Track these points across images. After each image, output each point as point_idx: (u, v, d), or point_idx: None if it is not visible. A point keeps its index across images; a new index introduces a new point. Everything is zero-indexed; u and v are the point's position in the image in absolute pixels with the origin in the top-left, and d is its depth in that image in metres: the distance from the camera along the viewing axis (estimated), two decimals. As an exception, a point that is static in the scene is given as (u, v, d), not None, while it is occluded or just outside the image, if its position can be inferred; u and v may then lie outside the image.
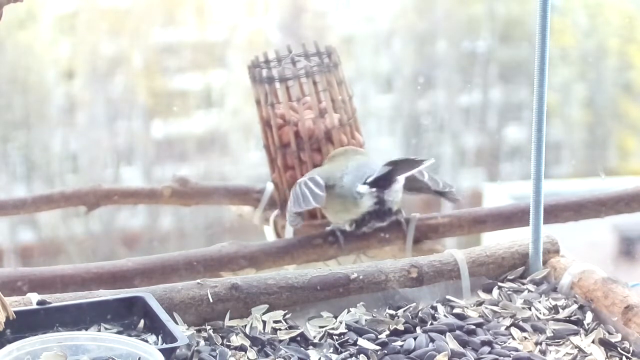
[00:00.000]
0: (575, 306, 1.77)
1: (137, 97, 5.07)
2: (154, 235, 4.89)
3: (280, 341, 1.68)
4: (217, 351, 1.63)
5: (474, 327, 1.71)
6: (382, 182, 2.18)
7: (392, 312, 1.76)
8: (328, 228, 2.28)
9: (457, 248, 1.90)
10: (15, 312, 1.58)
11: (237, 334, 1.68)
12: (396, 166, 2.17)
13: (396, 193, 2.20)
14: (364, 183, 2.18)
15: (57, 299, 1.69)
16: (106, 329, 1.67)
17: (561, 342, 1.69)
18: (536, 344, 1.68)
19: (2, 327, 1.48)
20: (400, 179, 2.19)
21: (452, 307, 1.79)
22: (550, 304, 1.78)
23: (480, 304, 1.80)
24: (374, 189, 2.18)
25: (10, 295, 1.71)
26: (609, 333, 1.69)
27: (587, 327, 1.72)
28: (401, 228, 2.28)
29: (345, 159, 2.27)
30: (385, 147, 5.16)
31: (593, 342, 1.68)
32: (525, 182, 2.16)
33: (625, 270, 4.76)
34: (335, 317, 1.75)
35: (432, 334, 1.67)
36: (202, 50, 5.16)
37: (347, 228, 2.25)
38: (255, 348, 1.65)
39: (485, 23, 5.35)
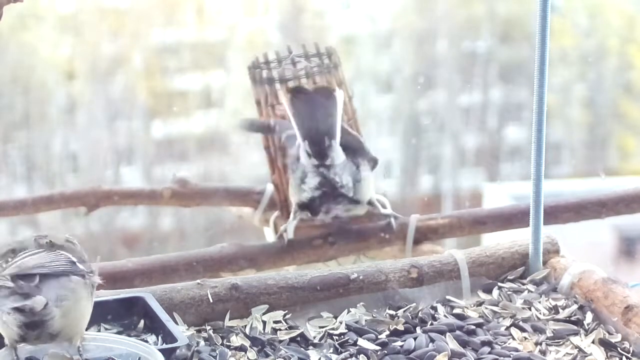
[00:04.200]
0: (575, 306, 1.77)
1: (137, 97, 5.08)
2: (154, 235, 4.89)
3: (280, 341, 1.68)
4: (217, 351, 1.63)
5: (474, 327, 1.71)
6: (319, 148, 2.15)
7: (392, 312, 1.77)
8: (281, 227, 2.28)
9: (457, 248, 1.90)
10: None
11: (237, 334, 1.68)
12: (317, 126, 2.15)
13: (343, 171, 2.17)
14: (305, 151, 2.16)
15: (58, 300, 1.69)
16: (106, 329, 1.67)
17: (561, 342, 1.69)
18: (536, 344, 1.68)
19: None
20: (335, 145, 2.15)
21: (452, 308, 1.79)
22: (550, 304, 1.78)
23: (480, 304, 1.80)
24: (308, 149, 2.14)
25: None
26: (609, 333, 1.70)
27: (587, 327, 1.72)
28: (399, 228, 2.28)
29: None
30: (385, 147, 5.16)
31: (593, 342, 1.68)
32: (525, 182, 2.15)
33: (625, 270, 4.77)
34: (335, 317, 1.75)
35: (432, 334, 1.68)
36: (202, 50, 5.16)
37: (303, 216, 2.23)
38: (255, 348, 1.66)
39: (485, 23, 5.35)
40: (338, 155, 2.16)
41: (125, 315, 1.69)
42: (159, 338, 1.64)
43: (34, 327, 1.44)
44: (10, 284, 1.42)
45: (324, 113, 2.16)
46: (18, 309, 1.42)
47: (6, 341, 1.48)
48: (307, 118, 2.15)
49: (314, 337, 1.70)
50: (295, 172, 2.18)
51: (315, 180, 2.16)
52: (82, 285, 1.49)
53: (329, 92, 2.18)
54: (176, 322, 1.68)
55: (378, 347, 1.65)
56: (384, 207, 2.30)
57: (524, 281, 1.87)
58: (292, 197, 2.24)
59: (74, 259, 1.50)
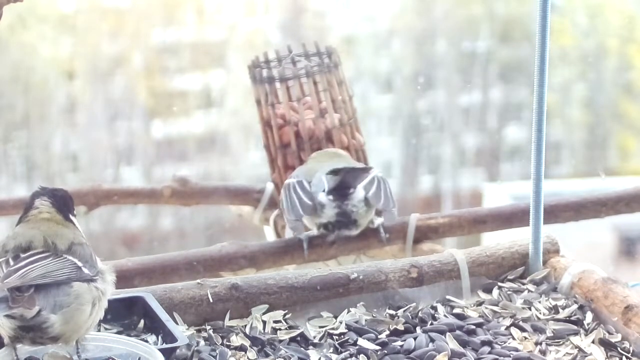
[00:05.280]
0: (575, 306, 1.77)
1: (137, 97, 5.07)
2: (154, 235, 4.89)
3: (280, 341, 1.68)
4: (217, 351, 1.63)
5: (474, 327, 1.71)
6: (340, 192, 2.17)
7: (392, 312, 1.77)
8: (297, 235, 2.28)
9: (457, 248, 1.90)
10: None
11: (237, 334, 1.68)
12: (345, 176, 2.16)
13: (360, 203, 2.18)
14: (324, 191, 2.17)
15: (57, 299, 1.69)
16: (106, 329, 1.67)
17: (561, 342, 1.69)
18: (536, 344, 1.68)
19: None
20: (358, 189, 2.17)
21: (452, 307, 1.79)
22: (550, 304, 1.78)
23: (480, 304, 1.80)
24: (330, 197, 2.17)
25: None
26: (609, 333, 1.70)
27: (587, 327, 1.72)
28: (399, 228, 2.28)
29: (322, 160, 2.26)
30: (385, 147, 5.17)
31: (593, 342, 1.68)
32: (525, 182, 2.15)
33: (625, 270, 4.77)
34: (335, 317, 1.75)
35: (432, 334, 1.68)
36: (202, 50, 5.16)
37: (316, 232, 2.23)
38: (255, 348, 1.66)
39: (485, 23, 5.35)
40: (358, 194, 2.17)
41: (125, 315, 1.69)
42: (159, 338, 1.64)
43: (29, 330, 1.45)
44: (5, 293, 1.42)
45: (354, 177, 2.17)
46: (10, 316, 1.43)
47: (5, 341, 1.48)
48: (337, 182, 2.16)
49: (314, 337, 1.70)
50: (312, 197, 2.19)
51: (333, 212, 2.17)
52: (87, 290, 1.49)
53: (364, 170, 2.20)
54: (176, 322, 1.68)
55: (378, 347, 1.65)
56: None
57: (524, 281, 1.87)
58: (308, 218, 2.25)
59: (80, 264, 1.50)
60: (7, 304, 1.42)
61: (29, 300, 1.42)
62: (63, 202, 1.58)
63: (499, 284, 1.85)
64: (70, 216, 1.58)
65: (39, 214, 1.56)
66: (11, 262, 1.47)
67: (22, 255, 1.48)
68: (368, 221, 2.22)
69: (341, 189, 2.16)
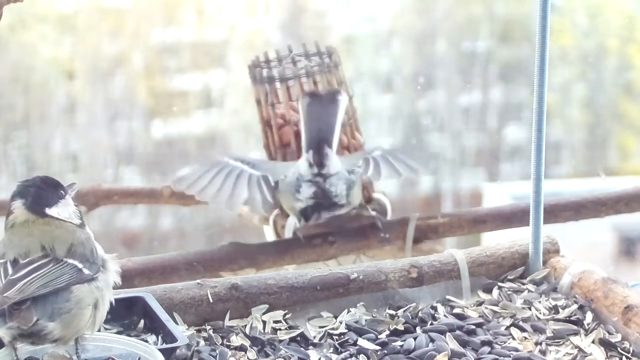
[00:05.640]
0: (575, 306, 1.77)
1: (137, 97, 5.07)
2: (154, 235, 4.89)
3: (280, 341, 1.68)
4: (217, 351, 1.63)
5: (474, 327, 1.71)
6: (318, 153, 2.17)
7: (392, 312, 1.77)
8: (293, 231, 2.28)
9: (457, 248, 1.90)
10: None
11: (237, 334, 1.68)
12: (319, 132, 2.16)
13: (338, 181, 2.18)
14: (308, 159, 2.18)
15: (57, 299, 1.69)
16: (106, 329, 1.67)
17: (561, 342, 1.69)
18: (536, 344, 1.68)
19: None
20: (334, 161, 2.18)
21: (452, 307, 1.79)
22: (550, 304, 1.78)
23: (480, 304, 1.80)
24: (311, 157, 2.17)
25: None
26: (609, 333, 1.70)
27: (587, 327, 1.72)
28: (399, 228, 2.28)
29: None
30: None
31: (593, 342, 1.68)
32: (525, 182, 2.16)
33: (625, 270, 4.76)
34: (335, 317, 1.75)
35: (432, 334, 1.68)
36: (202, 50, 5.15)
37: (298, 223, 2.24)
38: (255, 348, 1.66)
39: (485, 23, 5.35)
40: (334, 164, 2.17)
41: (125, 315, 1.69)
42: (159, 338, 1.64)
43: (28, 336, 1.45)
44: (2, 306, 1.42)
45: (327, 119, 2.18)
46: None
47: (5, 341, 1.48)
48: (315, 123, 2.17)
49: (314, 337, 1.70)
50: (289, 181, 2.19)
51: (311, 190, 2.17)
52: (87, 293, 1.48)
53: (333, 96, 2.20)
54: (176, 322, 1.68)
55: (378, 347, 1.65)
56: (384, 206, 2.30)
57: (524, 281, 1.87)
58: (284, 205, 2.25)
59: (80, 265, 1.49)
60: (3, 318, 1.41)
61: (25, 314, 1.41)
62: (37, 198, 1.52)
63: (499, 284, 1.85)
64: (47, 210, 1.53)
65: (17, 218, 1.52)
66: (10, 270, 1.45)
67: (22, 262, 1.46)
68: (355, 199, 2.22)
69: (319, 148, 2.16)
